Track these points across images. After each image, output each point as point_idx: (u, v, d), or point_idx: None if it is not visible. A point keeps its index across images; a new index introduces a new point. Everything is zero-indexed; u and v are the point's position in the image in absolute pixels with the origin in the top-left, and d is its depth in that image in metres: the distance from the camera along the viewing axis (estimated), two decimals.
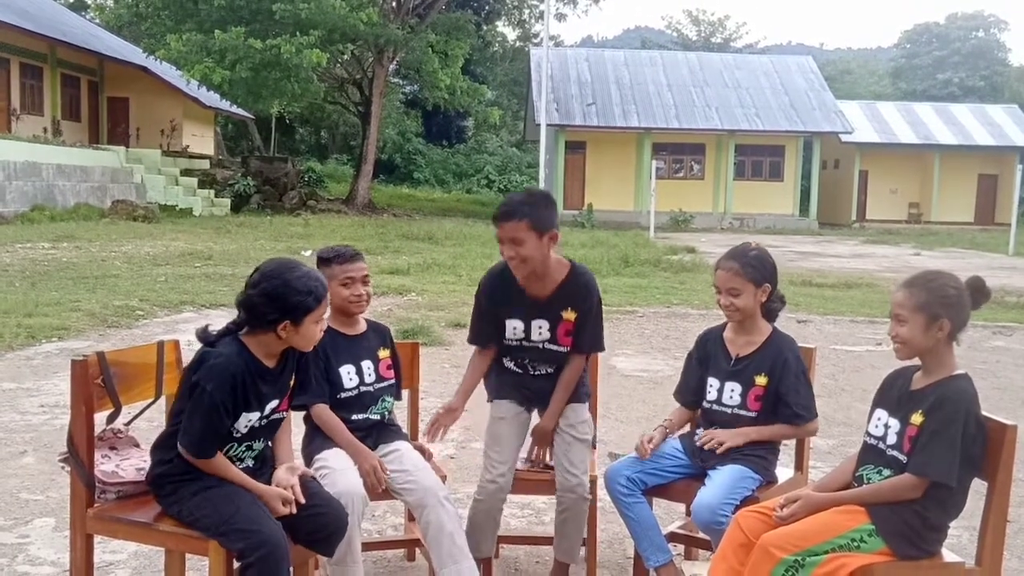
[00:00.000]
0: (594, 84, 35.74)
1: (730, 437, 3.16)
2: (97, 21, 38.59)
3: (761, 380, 3.18)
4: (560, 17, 40.48)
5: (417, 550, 3.50)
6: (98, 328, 8.48)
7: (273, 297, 2.61)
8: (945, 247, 25.94)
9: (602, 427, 4.68)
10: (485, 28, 41.72)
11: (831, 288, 13.91)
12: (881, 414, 2.76)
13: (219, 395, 2.57)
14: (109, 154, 26.70)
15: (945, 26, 58.64)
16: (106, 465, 2.84)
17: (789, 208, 35.61)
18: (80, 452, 2.75)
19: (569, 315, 3.30)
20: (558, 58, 36.83)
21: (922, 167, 39.33)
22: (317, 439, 3.19)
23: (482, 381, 3.52)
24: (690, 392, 3.38)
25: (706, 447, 3.17)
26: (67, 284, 11.03)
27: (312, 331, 2.70)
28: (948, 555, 2.76)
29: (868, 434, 2.79)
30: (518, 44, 46.42)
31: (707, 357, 3.34)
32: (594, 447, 3.71)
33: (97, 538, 2.86)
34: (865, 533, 2.58)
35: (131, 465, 2.87)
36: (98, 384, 2.81)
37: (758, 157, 35.96)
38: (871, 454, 2.75)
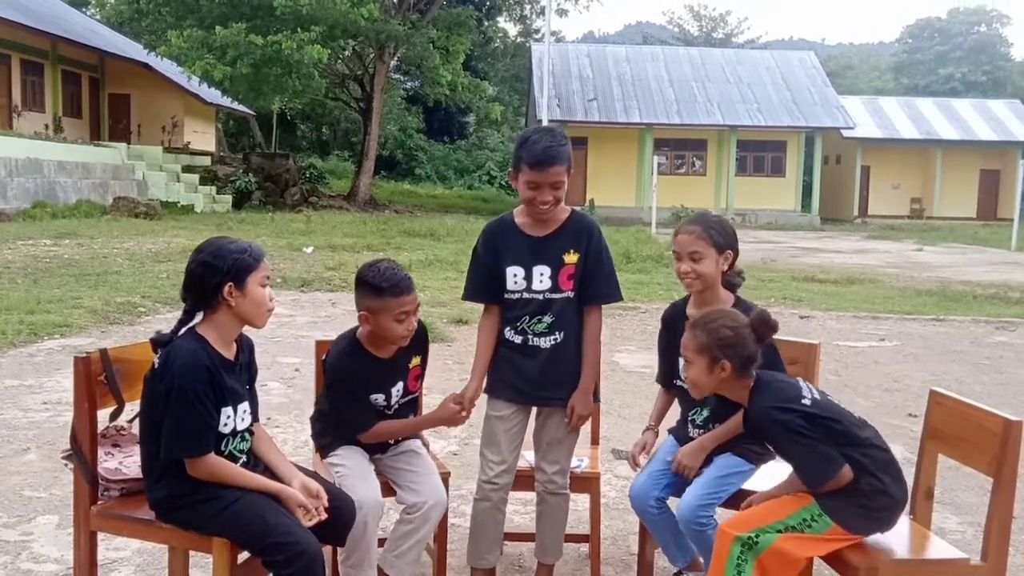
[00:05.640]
0: (595, 80, 35.72)
1: (692, 457, 3.09)
2: (98, 17, 38.58)
3: None
4: (561, 13, 40.48)
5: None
6: (100, 325, 8.48)
7: (210, 264, 2.62)
8: (947, 242, 25.91)
9: (605, 424, 4.68)
10: (486, 24, 41.69)
11: (833, 284, 13.91)
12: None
13: (200, 389, 2.54)
14: (110, 151, 26.71)
15: (947, 21, 58.51)
16: (109, 462, 2.83)
17: (791, 204, 35.60)
18: (83, 449, 2.74)
19: (571, 257, 3.09)
20: (559, 54, 36.82)
21: (924, 162, 39.30)
22: (331, 433, 3.13)
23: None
24: (666, 375, 3.33)
25: (683, 475, 3.11)
26: (69, 281, 11.03)
27: (258, 293, 2.65)
28: (953, 551, 2.76)
29: None
30: (519, 40, 46.31)
31: (675, 337, 3.21)
32: (596, 443, 3.71)
33: (100, 535, 2.85)
34: (813, 513, 2.63)
35: (134, 462, 2.86)
36: (101, 381, 2.80)
37: (760, 152, 35.93)
38: None
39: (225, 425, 2.63)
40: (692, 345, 2.74)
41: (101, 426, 2.87)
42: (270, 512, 2.58)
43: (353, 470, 3.01)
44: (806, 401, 2.65)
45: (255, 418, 2.79)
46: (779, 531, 2.61)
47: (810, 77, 37.06)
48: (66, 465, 2.85)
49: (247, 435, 2.74)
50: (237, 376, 2.71)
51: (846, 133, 36.43)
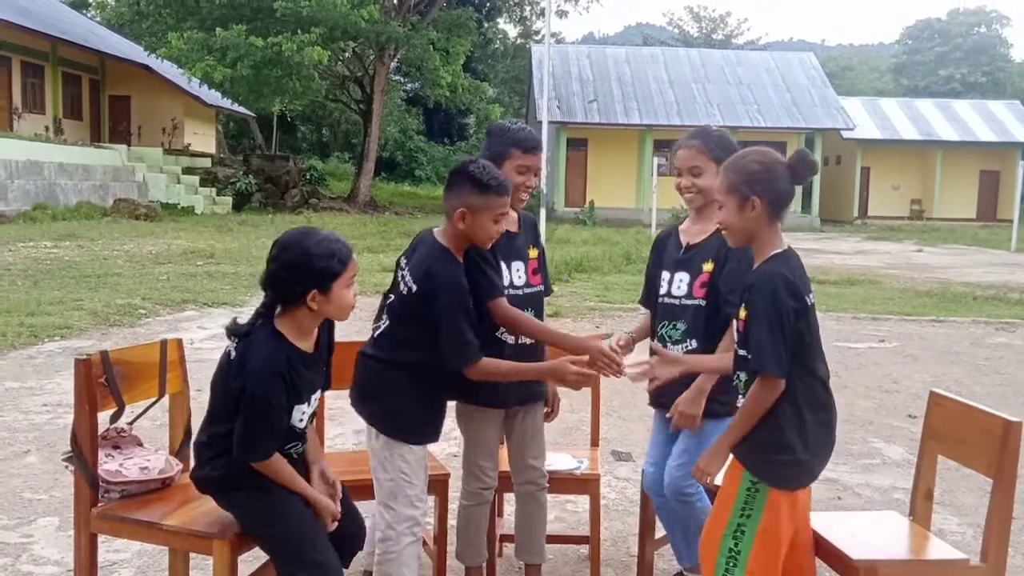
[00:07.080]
0: (596, 81, 35.72)
1: (693, 404, 2.95)
2: (98, 19, 38.58)
3: (708, 267, 3.04)
4: (561, 14, 40.38)
5: (421, 549, 3.49)
6: (101, 327, 8.48)
7: (295, 267, 2.50)
8: (947, 243, 25.91)
9: (604, 425, 4.68)
10: (486, 25, 41.71)
11: (833, 285, 13.90)
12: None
13: (273, 398, 2.50)
14: (111, 153, 26.71)
15: (947, 22, 58.52)
16: (110, 464, 2.84)
17: (791, 205, 35.60)
18: (84, 451, 2.75)
19: (533, 252, 3.18)
20: (560, 55, 36.81)
21: (924, 163, 39.28)
22: (421, 419, 2.91)
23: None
24: (648, 294, 3.31)
25: (680, 426, 3.03)
26: (69, 283, 11.03)
27: (343, 296, 2.55)
28: (952, 551, 2.76)
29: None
30: (519, 41, 46.35)
31: (661, 252, 3.24)
32: (596, 445, 3.72)
33: (101, 537, 2.86)
34: (749, 483, 2.52)
35: (135, 464, 2.87)
36: (101, 383, 2.80)
37: None
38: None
39: (300, 421, 2.63)
40: (723, 185, 2.59)
41: (101, 428, 2.87)
42: (311, 526, 2.59)
43: (413, 483, 2.89)
44: (809, 299, 2.53)
45: (326, 387, 2.80)
46: (741, 515, 2.51)
47: (810, 78, 37.06)
48: (66, 467, 2.86)
49: (305, 437, 2.71)
50: (315, 365, 2.67)
51: (846, 134, 36.41)
